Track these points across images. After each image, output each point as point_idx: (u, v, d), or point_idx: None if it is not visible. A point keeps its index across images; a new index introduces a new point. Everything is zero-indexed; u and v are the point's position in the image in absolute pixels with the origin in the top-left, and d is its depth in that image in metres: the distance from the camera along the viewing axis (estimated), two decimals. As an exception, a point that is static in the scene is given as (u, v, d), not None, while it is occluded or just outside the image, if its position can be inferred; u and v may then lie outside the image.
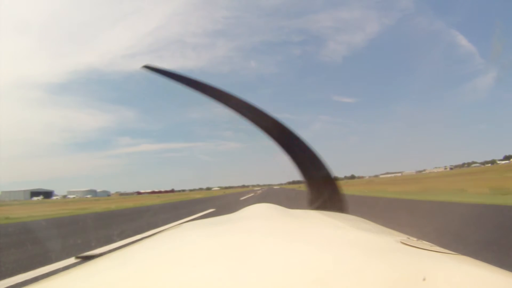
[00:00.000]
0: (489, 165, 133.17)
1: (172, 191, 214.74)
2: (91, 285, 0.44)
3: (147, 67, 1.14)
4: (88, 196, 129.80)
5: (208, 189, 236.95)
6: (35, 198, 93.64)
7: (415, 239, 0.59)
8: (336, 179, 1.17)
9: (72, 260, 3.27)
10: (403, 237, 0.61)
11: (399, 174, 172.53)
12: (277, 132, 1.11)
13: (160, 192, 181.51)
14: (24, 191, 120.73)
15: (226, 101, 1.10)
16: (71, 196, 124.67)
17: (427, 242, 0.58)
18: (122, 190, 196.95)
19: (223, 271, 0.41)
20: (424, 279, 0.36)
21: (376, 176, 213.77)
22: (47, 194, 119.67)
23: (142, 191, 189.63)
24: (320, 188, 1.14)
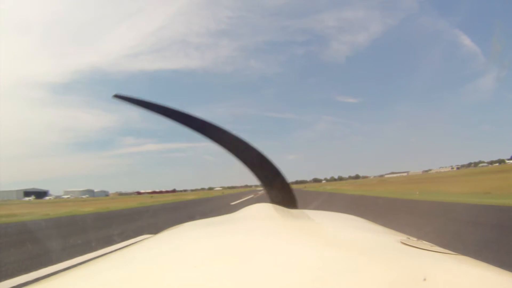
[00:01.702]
0: (497, 164, 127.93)
1: (174, 191, 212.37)
2: (91, 285, 0.44)
3: (118, 96, 1.22)
4: (85, 196, 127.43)
5: (210, 189, 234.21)
6: (26, 198, 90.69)
7: (415, 239, 0.59)
8: (285, 178, 1.31)
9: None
10: (403, 237, 0.61)
11: (405, 174, 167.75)
12: (231, 144, 1.24)
13: (161, 192, 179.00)
14: (17, 190, 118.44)
15: (189, 123, 1.22)
16: (66, 196, 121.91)
17: (427, 242, 0.58)
18: (124, 190, 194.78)
19: (223, 271, 0.41)
20: (424, 279, 0.36)
21: (381, 176, 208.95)
22: (41, 194, 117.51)
23: (142, 191, 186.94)
24: (274, 187, 1.27)
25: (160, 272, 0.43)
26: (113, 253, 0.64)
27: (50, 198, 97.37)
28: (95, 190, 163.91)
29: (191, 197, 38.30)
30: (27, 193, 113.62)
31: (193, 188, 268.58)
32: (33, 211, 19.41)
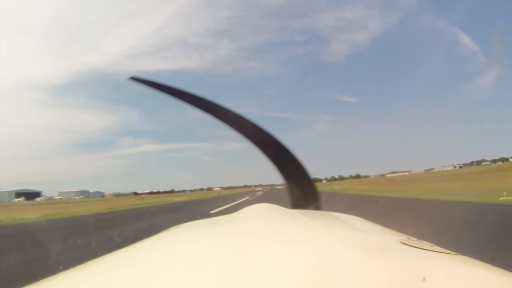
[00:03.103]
0: (501, 163, 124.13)
1: (172, 191, 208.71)
2: (91, 285, 0.44)
3: (134, 78, 1.20)
4: (80, 197, 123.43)
5: (209, 189, 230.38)
6: (16, 200, 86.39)
7: (415, 239, 0.60)
8: (311, 178, 1.25)
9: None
10: (403, 237, 0.62)
11: (407, 173, 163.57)
12: (258, 137, 1.18)
13: (158, 192, 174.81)
14: (9, 191, 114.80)
15: (209, 109, 1.16)
16: (58, 198, 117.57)
17: (427, 242, 0.58)
18: (123, 191, 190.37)
19: (223, 272, 0.41)
20: (424, 279, 0.36)
21: (383, 175, 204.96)
22: (33, 195, 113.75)
23: (139, 191, 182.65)
24: (298, 187, 1.22)
25: (160, 272, 0.43)
26: (113, 253, 0.64)
27: (41, 200, 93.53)
28: (91, 191, 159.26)
29: (180, 198, 36.63)
30: (19, 194, 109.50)
31: (192, 188, 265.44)
32: (8, 215, 17.86)
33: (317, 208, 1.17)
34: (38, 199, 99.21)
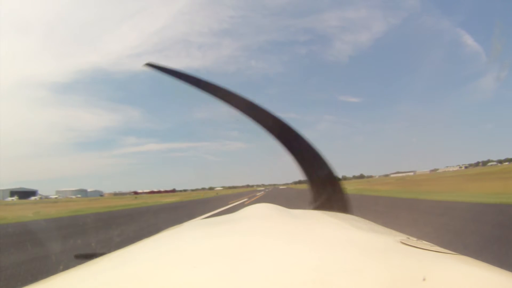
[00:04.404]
0: (507, 163, 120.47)
1: (173, 191, 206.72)
2: (91, 285, 0.44)
3: (150, 64, 1.18)
4: (78, 196, 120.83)
5: (211, 188, 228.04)
6: (9, 199, 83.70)
7: (415, 239, 0.59)
8: (338, 178, 1.16)
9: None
10: (403, 237, 0.61)
11: (411, 173, 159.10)
12: (280, 131, 1.12)
13: (159, 192, 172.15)
14: (4, 190, 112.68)
15: (228, 99, 1.11)
16: (54, 197, 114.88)
17: (427, 242, 0.58)
18: (122, 190, 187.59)
19: (223, 271, 0.41)
20: (424, 279, 0.36)
21: (386, 175, 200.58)
22: (28, 194, 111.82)
23: (140, 191, 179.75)
24: (322, 187, 1.14)
25: (160, 272, 0.43)
26: (113, 253, 0.64)
27: (35, 199, 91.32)
28: (89, 190, 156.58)
29: (172, 199, 34.30)
30: (14, 193, 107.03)
31: (194, 188, 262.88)
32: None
33: (346, 212, 1.07)
34: (33, 198, 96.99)
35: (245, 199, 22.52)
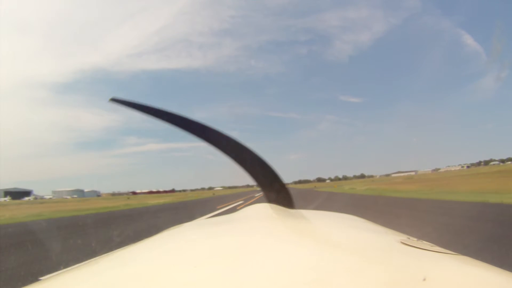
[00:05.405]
0: (510, 163, 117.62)
1: (173, 191, 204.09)
2: (91, 285, 0.44)
3: (115, 100, 1.23)
4: (74, 196, 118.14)
5: (211, 188, 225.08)
6: (2, 199, 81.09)
7: (415, 239, 0.59)
8: (281, 179, 1.31)
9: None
10: (403, 237, 0.61)
11: (413, 173, 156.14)
12: (230, 147, 1.24)
13: (158, 192, 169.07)
14: None
15: (188, 128, 1.22)
16: (48, 197, 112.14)
17: (427, 242, 0.58)
18: (121, 190, 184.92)
19: (223, 271, 0.41)
20: (424, 279, 0.36)
21: (388, 175, 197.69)
22: (23, 194, 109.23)
23: (138, 191, 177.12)
24: (271, 187, 1.28)
25: (160, 272, 0.43)
26: (113, 253, 0.64)
27: (29, 199, 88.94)
28: (86, 190, 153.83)
29: (164, 200, 31.61)
30: (8, 193, 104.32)
31: (193, 188, 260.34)
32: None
33: (292, 207, 1.26)
34: (27, 198, 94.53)
35: (242, 201, 19.81)
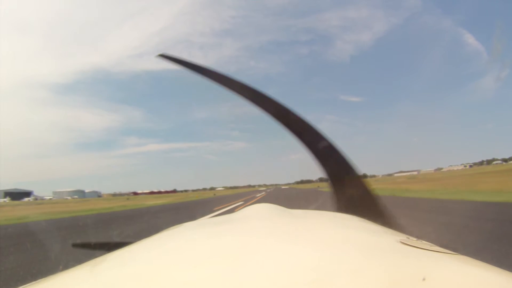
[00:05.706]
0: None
1: (174, 191, 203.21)
2: (91, 285, 0.44)
3: (163, 55, 1.19)
4: (75, 197, 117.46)
5: (212, 189, 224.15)
6: (1, 200, 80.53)
7: (415, 239, 0.59)
8: (362, 177, 1.07)
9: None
10: (403, 237, 0.61)
11: (415, 173, 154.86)
12: (297, 128, 1.09)
13: (159, 192, 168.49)
14: None
15: (242, 92, 1.10)
16: (48, 198, 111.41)
17: (427, 242, 0.58)
18: (122, 190, 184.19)
19: (223, 271, 0.41)
20: (424, 279, 0.36)
21: (390, 175, 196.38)
22: (23, 195, 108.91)
23: (139, 191, 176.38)
24: (346, 188, 1.08)
25: (160, 272, 0.43)
26: (113, 253, 0.64)
27: (28, 200, 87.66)
28: (87, 191, 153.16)
29: (163, 201, 31.09)
30: (7, 194, 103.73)
31: (195, 188, 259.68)
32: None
33: (382, 217, 0.95)
34: (27, 199, 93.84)
35: (241, 202, 18.73)
